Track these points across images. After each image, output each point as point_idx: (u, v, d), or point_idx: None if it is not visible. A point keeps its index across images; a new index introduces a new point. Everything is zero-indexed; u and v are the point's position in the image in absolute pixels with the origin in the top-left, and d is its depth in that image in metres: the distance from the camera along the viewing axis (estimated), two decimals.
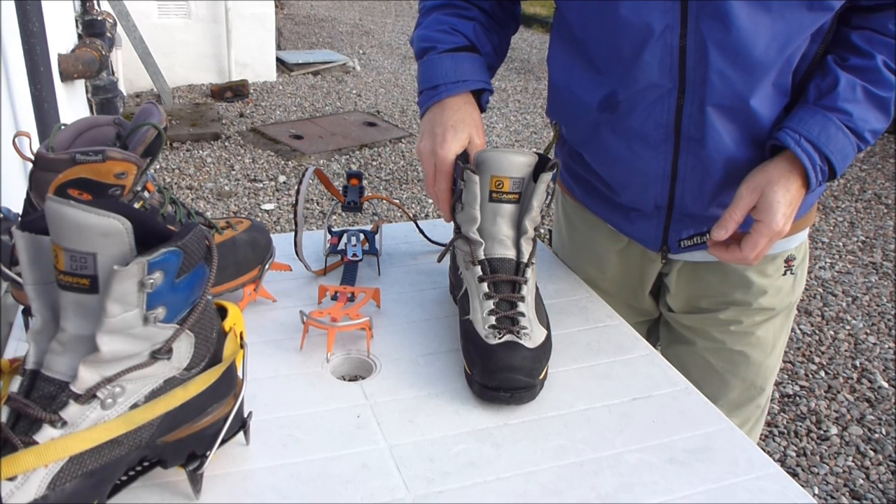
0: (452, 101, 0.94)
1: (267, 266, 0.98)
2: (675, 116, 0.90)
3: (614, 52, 0.90)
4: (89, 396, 0.56)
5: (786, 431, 2.27)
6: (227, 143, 4.34)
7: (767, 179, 0.87)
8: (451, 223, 0.96)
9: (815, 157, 0.86)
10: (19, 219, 0.90)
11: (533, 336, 0.82)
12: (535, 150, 0.94)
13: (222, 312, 0.68)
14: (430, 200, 3.78)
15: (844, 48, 0.90)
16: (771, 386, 1.16)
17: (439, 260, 0.96)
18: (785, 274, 1.06)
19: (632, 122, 0.93)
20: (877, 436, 2.25)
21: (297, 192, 1.01)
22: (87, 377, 0.56)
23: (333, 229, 1.13)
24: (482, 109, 0.98)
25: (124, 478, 0.64)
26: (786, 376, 2.53)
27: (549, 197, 0.90)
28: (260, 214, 3.51)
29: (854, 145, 0.88)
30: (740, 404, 1.14)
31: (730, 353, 1.10)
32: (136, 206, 0.84)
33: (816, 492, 2.03)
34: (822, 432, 2.27)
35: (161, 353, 0.59)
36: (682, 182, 0.96)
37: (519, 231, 0.89)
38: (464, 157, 0.92)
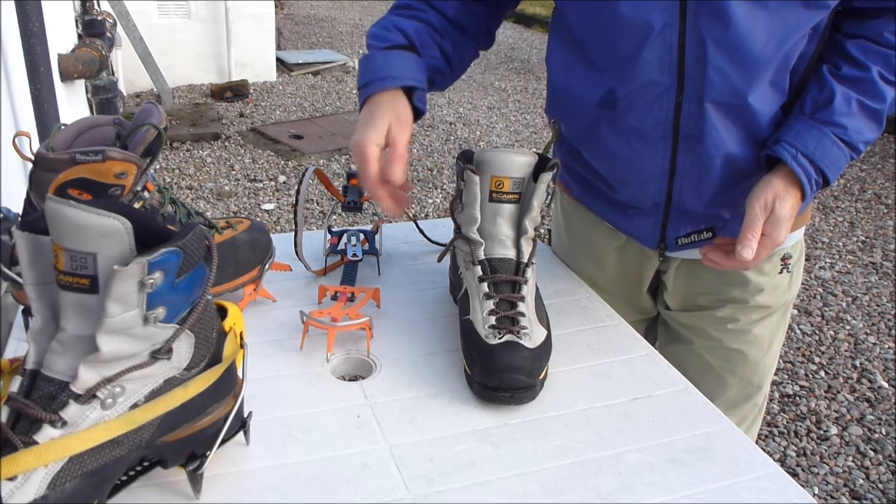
0: (380, 97, 0.92)
1: (267, 266, 0.98)
2: (674, 114, 0.91)
3: (613, 51, 0.90)
4: (89, 396, 0.56)
5: (786, 431, 2.27)
6: (227, 143, 4.34)
7: (775, 194, 0.88)
8: (452, 223, 0.96)
9: (811, 170, 0.88)
10: (19, 219, 0.90)
11: (533, 336, 0.82)
12: (535, 150, 0.94)
13: (222, 312, 0.68)
14: (430, 200, 3.78)
15: (839, 56, 0.91)
16: (768, 384, 1.16)
17: (439, 260, 0.96)
18: (781, 272, 1.07)
19: (631, 120, 0.94)
20: (877, 436, 2.25)
21: (297, 192, 1.01)
22: (87, 377, 0.56)
23: (333, 229, 1.13)
24: (418, 108, 0.95)
25: (124, 478, 0.64)
26: (786, 376, 2.53)
27: (549, 197, 0.90)
28: (260, 214, 3.51)
29: (847, 156, 0.90)
30: (738, 402, 1.14)
31: (727, 351, 1.10)
32: (136, 206, 0.84)
33: (816, 492, 2.03)
34: (822, 432, 2.27)
35: (161, 353, 0.59)
36: (679, 179, 0.96)
37: (519, 231, 0.89)
38: (464, 156, 0.92)
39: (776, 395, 2.43)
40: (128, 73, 4.82)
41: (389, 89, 0.93)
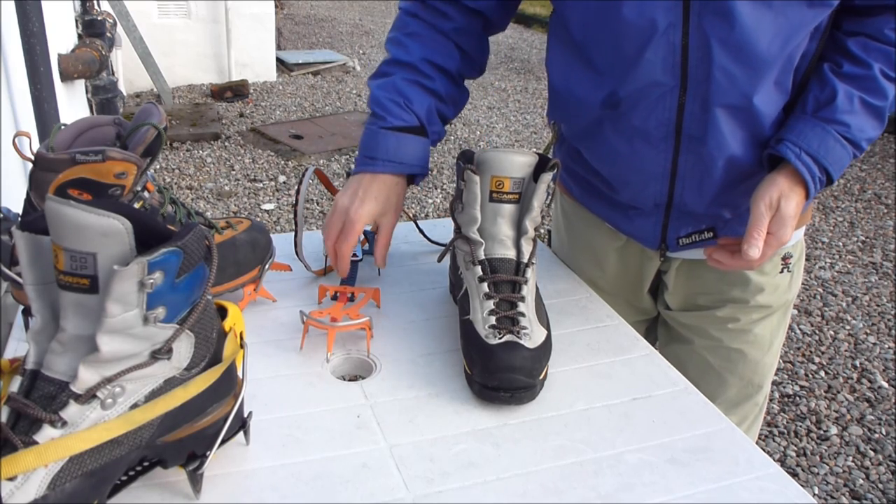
0: (385, 177, 0.96)
1: (267, 266, 0.98)
2: (677, 115, 0.91)
3: (615, 52, 0.90)
4: (89, 396, 0.56)
5: (786, 431, 2.27)
6: (227, 143, 4.34)
7: (780, 193, 0.88)
8: (452, 223, 0.96)
9: (815, 169, 0.89)
10: (19, 219, 0.90)
11: (533, 336, 0.82)
12: (535, 150, 0.94)
13: (222, 312, 0.68)
14: (430, 200, 3.78)
15: (840, 54, 0.91)
16: (769, 384, 1.16)
17: (439, 260, 0.96)
18: (782, 272, 1.07)
19: (633, 120, 0.93)
20: (877, 436, 2.25)
21: (297, 192, 1.01)
22: (87, 377, 0.56)
23: None
24: (413, 182, 1.01)
25: (124, 478, 0.64)
26: (786, 376, 2.53)
27: (550, 197, 0.90)
28: (260, 214, 3.51)
29: (850, 154, 0.90)
30: (738, 402, 1.14)
31: (727, 351, 1.10)
32: (136, 206, 0.84)
33: (816, 492, 2.03)
34: (822, 432, 2.27)
35: (161, 353, 0.59)
36: (681, 180, 0.96)
37: (519, 231, 0.89)
38: (464, 156, 0.92)
39: (776, 395, 2.43)
40: (128, 73, 4.82)
41: (396, 173, 0.97)
